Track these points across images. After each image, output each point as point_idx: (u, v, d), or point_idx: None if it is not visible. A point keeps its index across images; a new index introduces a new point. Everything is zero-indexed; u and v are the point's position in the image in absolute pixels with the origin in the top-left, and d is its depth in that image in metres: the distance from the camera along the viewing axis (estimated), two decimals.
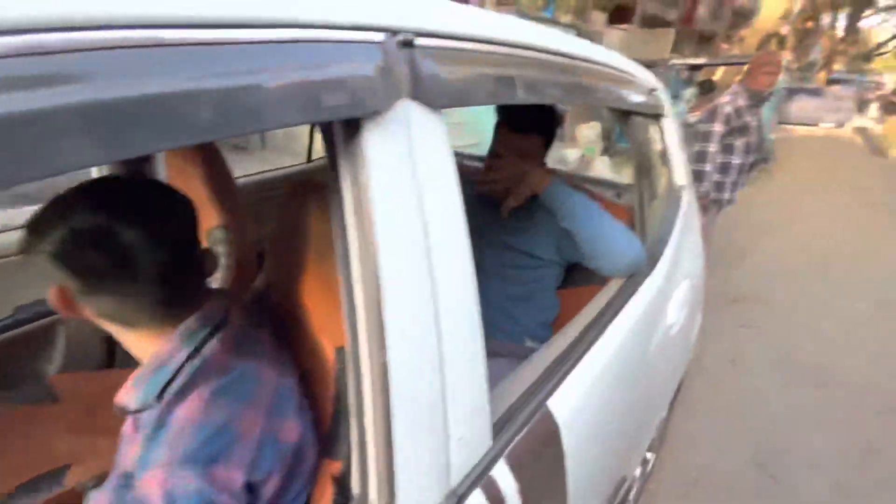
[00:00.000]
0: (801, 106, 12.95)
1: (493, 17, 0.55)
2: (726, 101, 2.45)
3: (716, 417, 2.00)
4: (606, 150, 6.35)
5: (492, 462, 0.52)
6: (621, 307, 0.82)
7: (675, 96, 7.25)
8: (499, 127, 1.03)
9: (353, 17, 0.39)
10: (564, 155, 5.49)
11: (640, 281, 0.90)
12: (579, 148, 5.96)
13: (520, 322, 1.06)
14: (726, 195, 2.64)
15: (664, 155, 1.07)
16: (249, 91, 0.31)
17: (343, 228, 0.42)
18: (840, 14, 14.75)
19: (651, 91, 0.98)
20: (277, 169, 1.99)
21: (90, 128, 0.24)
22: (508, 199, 0.98)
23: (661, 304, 0.96)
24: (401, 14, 0.43)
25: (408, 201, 0.43)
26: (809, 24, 17.56)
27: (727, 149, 2.50)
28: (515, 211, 1.03)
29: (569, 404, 0.63)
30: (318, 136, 1.93)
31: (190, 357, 0.53)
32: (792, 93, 13.09)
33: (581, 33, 6.89)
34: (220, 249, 1.14)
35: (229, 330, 0.58)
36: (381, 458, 0.43)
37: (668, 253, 1.01)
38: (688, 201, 1.15)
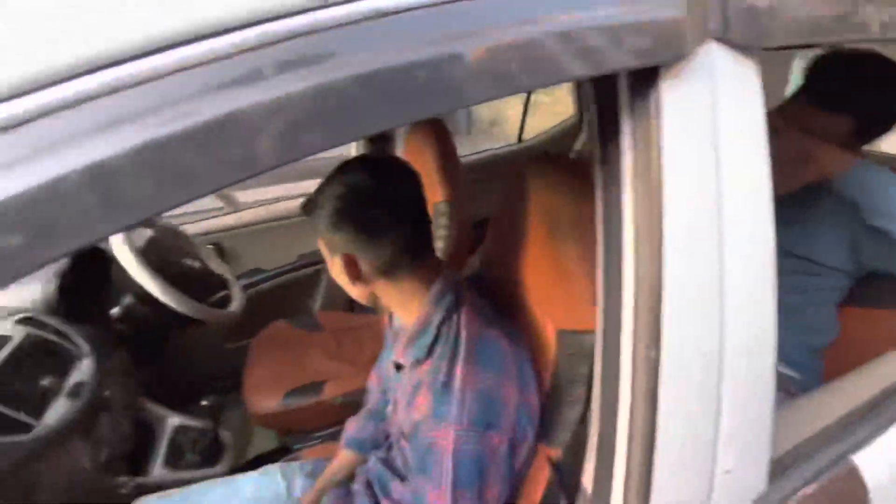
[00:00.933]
0: None
1: None
2: None
3: None
4: None
5: None
6: None
7: None
8: (794, 98, 0.81)
9: None
10: None
11: None
12: None
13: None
14: None
15: None
16: (532, 44, 0.29)
17: (615, 198, 0.37)
18: None
19: None
20: (484, 151, 2.08)
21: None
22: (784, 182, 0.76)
23: None
24: None
25: (706, 168, 0.35)
26: None
27: None
28: (792, 203, 0.80)
29: (887, 464, 0.45)
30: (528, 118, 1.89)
31: (442, 322, 0.60)
32: None
33: None
34: (442, 223, 1.25)
35: (468, 299, 0.63)
36: (634, 470, 0.37)
37: None
38: None
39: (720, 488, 0.39)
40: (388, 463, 0.78)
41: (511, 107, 5.06)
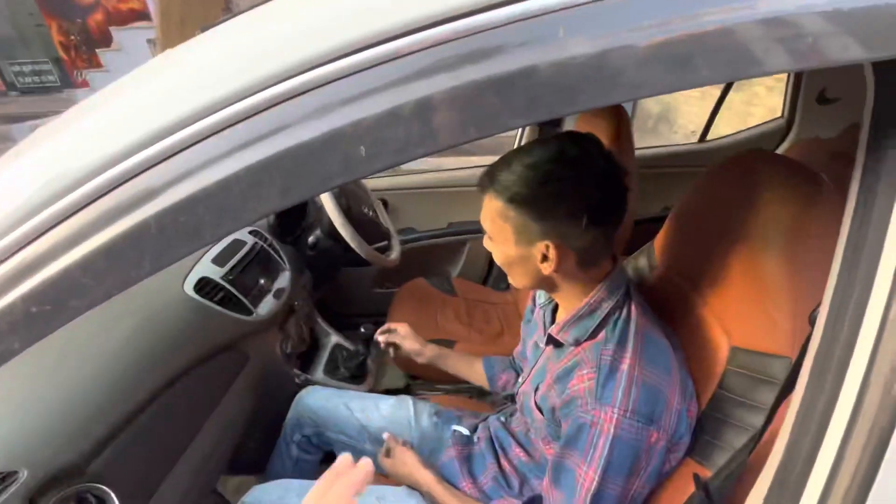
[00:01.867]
0: None
1: None
2: None
3: None
4: None
5: None
6: None
7: None
8: None
9: None
10: None
11: None
12: None
13: None
14: None
15: None
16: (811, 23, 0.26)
17: (880, 208, 0.32)
18: None
19: None
20: (657, 147, 1.91)
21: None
22: None
23: None
24: None
25: None
26: None
27: None
28: None
29: None
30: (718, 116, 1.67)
31: (612, 311, 0.61)
32: None
33: None
34: None
35: (636, 296, 0.62)
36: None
37: None
38: None
39: None
40: (509, 426, 0.82)
41: (685, 101, 4.44)
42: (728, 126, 1.86)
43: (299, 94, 0.24)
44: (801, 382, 0.38)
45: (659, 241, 0.82)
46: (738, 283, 0.60)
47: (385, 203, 1.68)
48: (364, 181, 1.67)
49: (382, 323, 1.01)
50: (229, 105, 0.24)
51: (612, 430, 0.54)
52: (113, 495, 0.58)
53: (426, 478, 0.75)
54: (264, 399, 0.95)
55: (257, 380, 0.93)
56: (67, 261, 0.25)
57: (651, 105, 4.96)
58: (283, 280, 1.10)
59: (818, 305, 0.38)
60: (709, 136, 1.81)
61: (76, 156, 0.26)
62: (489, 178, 0.61)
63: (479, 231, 1.87)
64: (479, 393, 1.27)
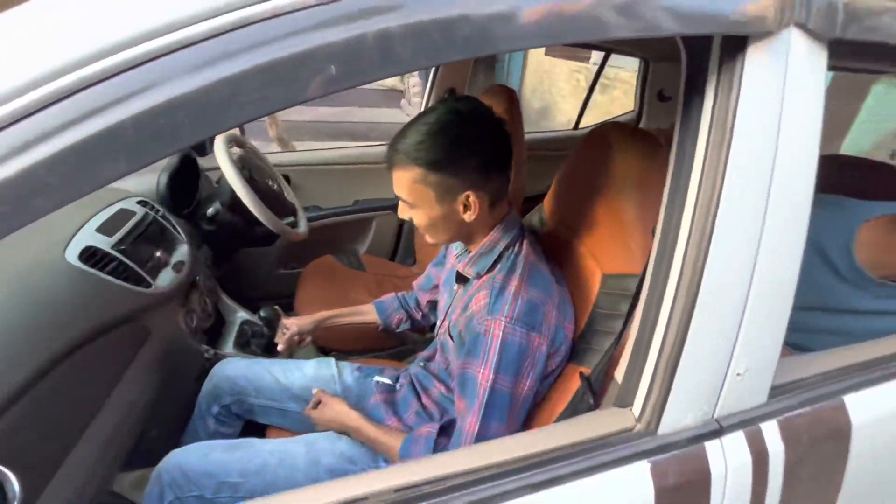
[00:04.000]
0: None
1: None
2: None
3: None
4: None
5: (763, 416, 0.51)
6: None
7: None
8: None
9: None
10: None
11: None
12: None
13: None
14: None
15: None
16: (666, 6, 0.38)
17: (686, 154, 0.46)
18: None
19: None
20: (541, 132, 2.16)
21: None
22: None
23: None
24: None
25: (768, 141, 0.44)
26: None
27: None
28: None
29: (874, 409, 0.54)
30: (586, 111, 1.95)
31: (506, 248, 0.73)
32: None
33: None
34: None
35: (528, 237, 0.75)
36: (660, 371, 0.47)
37: None
38: None
39: (729, 388, 0.49)
40: (428, 367, 0.91)
41: (564, 100, 5.08)
42: (596, 120, 2.18)
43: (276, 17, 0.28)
44: (646, 281, 0.53)
45: (547, 201, 0.98)
46: (605, 225, 0.76)
47: (287, 179, 1.64)
48: (266, 156, 1.60)
49: (287, 304, 1.03)
50: (208, 19, 0.27)
51: (501, 334, 0.65)
52: (7, 472, 0.53)
53: (354, 418, 0.80)
54: (171, 376, 0.89)
55: (162, 355, 0.88)
56: (31, 159, 0.26)
57: (534, 102, 5.53)
58: (182, 253, 1.03)
59: (656, 224, 0.53)
60: (580, 126, 2.11)
61: (44, 50, 0.26)
62: (397, 151, 0.67)
63: (386, 208, 1.95)
64: (395, 355, 1.35)
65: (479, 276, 0.75)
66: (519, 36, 0.35)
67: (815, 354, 0.59)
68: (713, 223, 0.44)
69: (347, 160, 1.81)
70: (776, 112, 0.44)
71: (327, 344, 1.35)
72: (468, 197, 0.68)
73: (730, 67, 0.43)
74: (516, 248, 0.74)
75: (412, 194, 0.69)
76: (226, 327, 1.15)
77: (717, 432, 0.49)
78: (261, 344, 1.16)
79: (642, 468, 0.47)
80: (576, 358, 0.74)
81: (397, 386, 0.95)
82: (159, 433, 0.92)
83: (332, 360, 1.01)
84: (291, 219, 1.43)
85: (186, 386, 0.94)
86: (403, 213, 0.73)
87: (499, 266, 0.73)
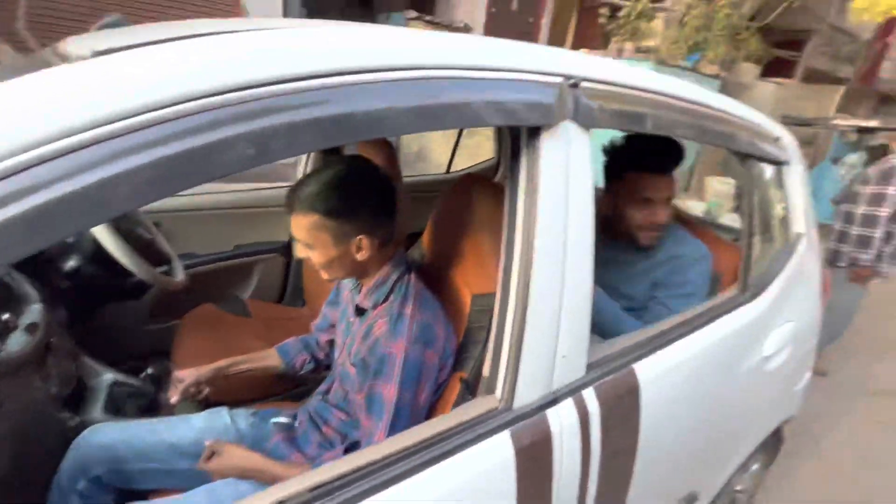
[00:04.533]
0: None
1: (635, 70, 0.76)
2: None
3: None
4: (738, 209, 5.86)
5: (583, 385, 0.71)
6: (715, 317, 0.94)
7: (835, 160, 6.44)
8: (642, 171, 1.05)
9: (545, 67, 0.64)
10: (689, 207, 5.24)
11: (738, 304, 1.00)
12: (705, 202, 5.64)
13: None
14: (884, 267, 2.38)
15: (784, 201, 1.14)
16: (479, 105, 0.57)
17: (514, 205, 0.66)
18: None
19: (775, 140, 1.08)
20: (418, 175, 2.39)
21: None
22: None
23: (757, 332, 1.03)
24: (574, 66, 0.67)
25: (560, 189, 0.65)
26: None
27: (894, 217, 2.27)
28: (636, 257, 1.12)
29: (651, 372, 0.79)
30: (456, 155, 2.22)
31: (397, 280, 0.86)
32: None
33: (726, 84, 6.56)
34: None
35: (415, 271, 0.89)
36: (511, 361, 0.64)
37: (772, 291, 1.07)
38: (804, 251, 1.19)
39: (559, 368, 0.68)
40: (327, 399, 0.97)
41: (438, 145, 5.60)
42: (467, 161, 2.50)
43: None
44: (497, 296, 0.70)
45: (425, 238, 1.14)
46: (470, 255, 0.94)
47: (158, 226, 1.54)
48: None
49: (162, 361, 0.99)
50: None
51: (402, 355, 0.77)
52: None
53: (255, 460, 0.81)
54: (27, 451, 0.80)
55: (15, 428, 0.78)
56: None
57: (412, 146, 5.97)
58: (34, 314, 0.93)
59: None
60: (452, 169, 2.39)
61: None
62: (297, 198, 0.77)
63: (269, 251, 1.97)
64: (291, 398, 1.34)
65: (375, 307, 0.86)
66: (398, 126, 0.50)
67: (617, 338, 0.83)
68: (532, 251, 0.63)
69: (224, 205, 1.77)
70: (565, 170, 0.66)
71: (219, 397, 1.29)
72: (361, 240, 0.80)
73: (533, 144, 0.64)
74: (405, 279, 0.87)
75: (310, 237, 0.79)
76: (92, 391, 1.04)
77: (554, 401, 0.68)
78: (139, 405, 1.07)
79: (505, 436, 0.62)
80: (457, 367, 0.89)
81: (296, 423, 0.98)
82: None
83: (224, 408, 1.00)
84: (165, 267, 1.36)
85: (47, 462, 0.84)
86: (301, 252, 0.82)
87: (392, 296, 0.85)
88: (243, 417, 0.99)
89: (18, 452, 0.78)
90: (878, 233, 2.27)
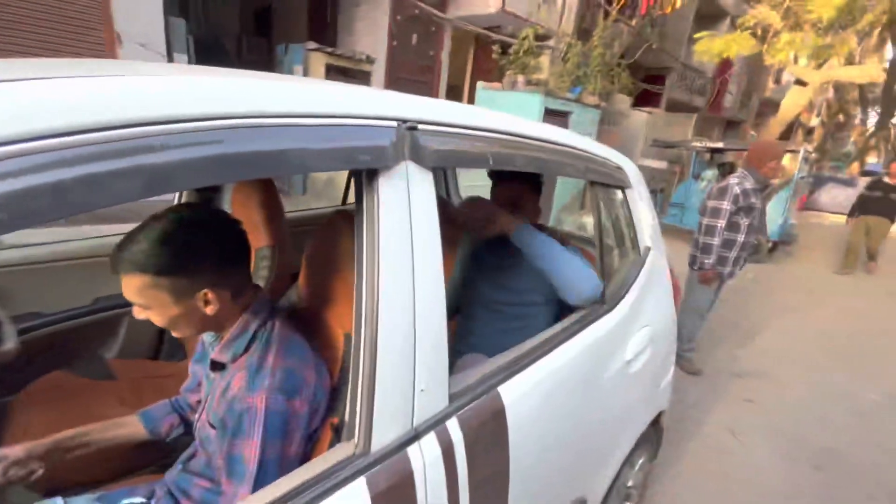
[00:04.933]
0: (832, 195, 13.18)
1: (471, 110, 0.83)
2: (735, 182, 2.63)
3: (707, 481, 2.03)
4: None
5: (445, 417, 0.72)
6: (577, 332, 1.02)
7: (696, 176, 7.58)
8: (490, 178, 1.31)
9: (381, 112, 0.67)
10: (583, 223, 5.75)
11: (598, 315, 1.10)
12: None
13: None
14: (727, 269, 2.76)
15: (628, 219, 1.30)
16: (316, 151, 0.58)
17: (360, 245, 0.66)
18: (871, 110, 15.17)
19: (617, 168, 1.23)
20: (314, 209, 2.33)
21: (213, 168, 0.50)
22: (479, 233, 1.22)
23: (617, 340, 1.14)
24: (409, 109, 0.70)
25: (403, 226, 0.67)
26: (840, 117, 18.06)
27: (732, 226, 2.66)
28: (513, 255, 1.26)
29: (516, 391, 0.83)
30: (351, 186, 2.22)
31: (258, 328, 0.81)
32: (821, 181, 13.38)
33: (606, 113, 7.42)
34: (264, 265, 1.41)
35: (279, 316, 0.85)
36: (365, 402, 0.63)
37: (628, 300, 1.20)
38: (653, 261, 1.36)
39: (418, 401, 0.68)
40: (188, 467, 0.88)
41: (343, 175, 5.62)
42: None
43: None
44: (352, 335, 0.69)
45: (300, 278, 1.10)
46: (341, 293, 0.93)
47: None
48: None
49: None
50: None
51: (263, 407, 0.71)
52: None
53: None
54: None
55: None
56: None
57: (320, 175, 5.89)
58: None
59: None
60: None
61: None
62: (122, 258, 0.69)
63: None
64: (160, 469, 1.18)
65: (234, 359, 0.79)
66: (238, 172, 0.48)
67: (484, 363, 0.86)
68: (378, 288, 0.64)
69: (79, 254, 1.56)
70: (406, 207, 0.68)
71: (58, 481, 1.10)
72: (206, 294, 0.73)
73: (373, 185, 0.65)
74: (268, 326, 0.82)
75: (146, 298, 0.71)
76: None
77: (415, 437, 0.68)
78: None
79: (360, 483, 0.61)
80: (330, 412, 0.85)
81: (153, 502, 0.86)
82: None
83: (59, 499, 0.85)
84: None
85: None
86: (139, 314, 0.73)
87: (253, 346, 0.79)
88: (85, 499, 0.85)
89: None
90: (715, 241, 2.65)
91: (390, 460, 0.64)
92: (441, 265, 0.72)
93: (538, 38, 6.94)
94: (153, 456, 1.16)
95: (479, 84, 6.42)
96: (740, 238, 2.68)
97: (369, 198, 0.65)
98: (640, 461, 1.63)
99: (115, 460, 1.10)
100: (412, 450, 0.67)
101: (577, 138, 1.09)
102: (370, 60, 6.72)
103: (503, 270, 1.31)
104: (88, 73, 0.45)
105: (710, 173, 7.27)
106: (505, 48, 6.93)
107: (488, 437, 0.77)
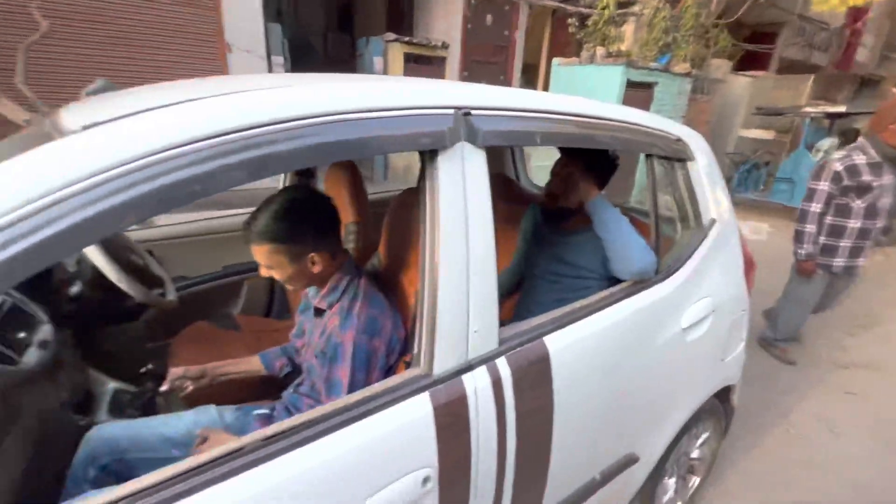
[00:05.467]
0: None
1: (519, 93, 0.93)
2: (839, 158, 2.22)
3: (786, 467, 1.94)
4: None
5: (495, 355, 0.86)
6: (626, 296, 1.09)
7: (810, 146, 6.61)
8: (561, 153, 1.37)
9: (441, 102, 0.81)
10: (666, 202, 5.40)
11: (651, 284, 1.16)
12: None
13: None
14: (839, 261, 2.35)
15: (690, 192, 1.30)
16: (389, 137, 0.74)
17: (423, 213, 0.82)
18: None
19: (677, 140, 1.25)
20: (392, 191, 2.56)
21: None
22: (566, 199, 1.31)
23: (671, 307, 1.18)
24: (464, 97, 0.84)
25: (459, 196, 0.82)
26: None
27: (841, 210, 2.25)
28: (571, 230, 1.35)
29: (561, 342, 0.94)
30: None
31: (348, 284, 1.02)
32: None
33: (699, 81, 6.78)
34: (351, 238, 1.65)
35: (364, 276, 1.06)
36: (428, 338, 0.80)
37: (686, 270, 1.23)
38: (718, 234, 1.35)
39: (472, 340, 0.83)
40: (298, 390, 1.13)
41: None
42: None
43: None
44: (420, 286, 0.86)
45: (380, 247, 1.31)
46: (412, 258, 1.11)
47: (151, 253, 1.71)
48: (126, 233, 1.67)
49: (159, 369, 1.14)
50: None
51: (352, 342, 0.93)
52: None
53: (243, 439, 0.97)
54: (44, 449, 0.95)
55: (32, 429, 0.94)
56: None
57: (399, 162, 6.25)
58: (45, 333, 1.09)
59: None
60: None
61: None
62: (252, 232, 0.94)
63: (255, 270, 2.21)
64: (272, 399, 1.49)
65: (330, 307, 1.02)
66: (327, 156, 0.67)
67: (531, 319, 0.98)
68: (437, 249, 0.79)
69: (211, 230, 1.94)
70: (462, 180, 0.82)
71: (209, 401, 1.44)
72: (312, 257, 0.96)
73: (433, 164, 0.80)
74: (355, 282, 1.04)
75: (269, 261, 0.96)
76: (97, 398, 1.20)
77: (469, 368, 0.83)
78: (137, 406, 1.23)
79: (425, 397, 0.78)
80: (404, 353, 1.05)
81: (274, 413, 1.13)
82: None
83: (212, 406, 1.15)
84: (160, 290, 1.52)
85: (62, 456, 0.99)
86: (265, 273, 0.99)
87: (344, 297, 1.01)
88: (229, 412, 1.14)
89: (36, 450, 0.93)
90: (807, 227, 2.26)
91: (448, 383, 0.80)
92: (492, 230, 0.86)
93: (620, 5, 6.53)
94: (271, 389, 1.47)
95: (555, 60, 6.24)
96: (854, 224, 2.24)
97: (431, 173, 0.81)
98: (705, 435, 1.63)
99: (244, 389, 1.42)
100: (466, 377, 0.82)
101: (629, 112, 1.14)
102: (445, 46, 6.85)
103: (562, 245, 1.40)
104: (241, 88, 0.66)
105: (828, 142, 6.31)
106: (583, 20, 6.63)
107: (534, 377, 0.90)
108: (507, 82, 7.77)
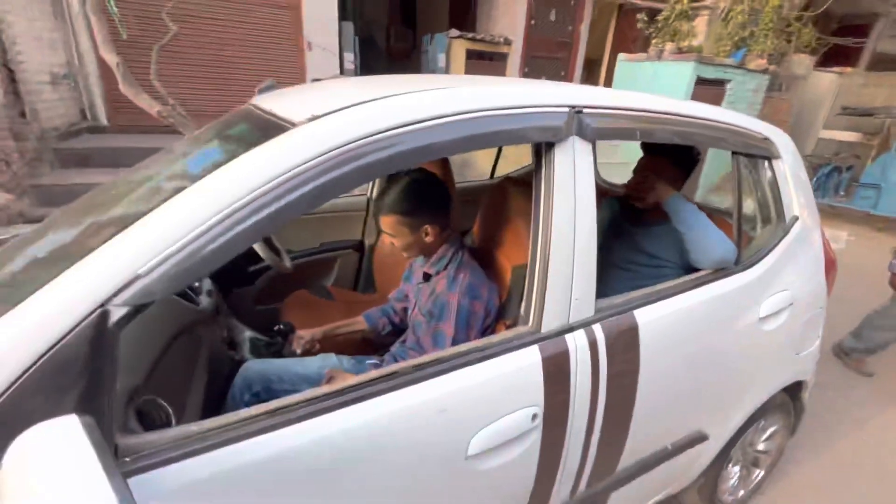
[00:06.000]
0: None
1: (624, 94, 1.05)
2: None
3: (857, 474, 1.92)
4: None
5: (592, 321, 1.00)
6: (708, 282, 1.19)
7: None
8: (644, 153, 1.49)
9: (556, 101, 0.95)
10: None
11: (732, 272, 1.24)
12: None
13: None
14: None
15: (774, 189, 1.36)
16: (514, 130, 0.89)
17: (538, 195, 0.96)
18: None
19: (764, 139, 1.31)
20: (466, 182, 2.73)
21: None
22: (642, 200, 1.42)
23: (750, 296, 1.26)
24: (578, 98, 0.97)
25: (569, 182, 0.96)
26: None
27: None
28: (651, 222, 1.45)
29: (648, 316, 1.06)
30: (498, 163, 2.56)
31: (454, 255, 1.19)
32: None
33: (776, 78, 6.41)
34: None
35: (466, 250, 1.23)
36: (538, 300, 0.95)
37: (766, 262, 1.30)
38: (800, 231, 1.40)
39: (574, 306, 0.97)
40: (404, 345, 1.32)
41: (480, 156, 6.01)
42: (513, 165, 2.82)
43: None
44: (529, 256, 1.01)
45: (475, 227, 1.48)
46: (509, 237, 1.26)
47: None
48: None
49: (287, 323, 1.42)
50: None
51: (456, 302, 1.11)
52: (165, 404, 0.85)
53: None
54: (213, 374, 1.20)
55: (208, 357, 1.19)
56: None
57: (456, 158, 6.45)
58: (209, 284, 1.36)
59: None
60: (495, 175, 2.71)
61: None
62: (382, 204, 1.14)
63: (347, 247, 2.53)
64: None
65: (437, 273, 1.21)
66: (461, 148, 0.83)
67: (620, 295, 1.11)
68: (550, 228, 0.94)
69: (312, 210, 2.19)
70: (573, 170, 0.96)
71: (328, 352, 1.68)
72: (427, 228, 1.15)
73: (549, 154, 0.95)
74: (460, 254, 1.22)
75: (393, 230, 1.16)
76: (239, 342, 1.46)
77: (570, 329, 0.97)
78: (270, 352, 1.48)
79: (535, 349, 0.93)
80: (502, 317, 1.21)
81: (383, 363, 1.34)
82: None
83: (333, 354, 1.38)
84: (277, 258, 1.78)
85: (225, 381, 1.24)
86: (388, 241, 1.18)
87: (449, 265, 1.19)
88: (346, 360, 1.36)
89: (211, 374, 1.19)
90: None
91: (553, 339, 0.95)
92: (594, 213, 0.99)
93: None
94: (372, 347, 1.69)
95: (620, 56, 6.14)
96: None
97: (547, 162, 0.95)
98: (773, 429, 1.67)
99: (353, 346, 1.65)
100: (568, 337, 0.97)
101: (719, 111, 1.23)
102: (507, 42, 6.93)
103: (641, 236, 1.50)
104: (410, 89, 0.84)
105: None
106: (653, 15, 6.45)
107: (624, 342, 1.03)
108: (567, 78, 7.72)
